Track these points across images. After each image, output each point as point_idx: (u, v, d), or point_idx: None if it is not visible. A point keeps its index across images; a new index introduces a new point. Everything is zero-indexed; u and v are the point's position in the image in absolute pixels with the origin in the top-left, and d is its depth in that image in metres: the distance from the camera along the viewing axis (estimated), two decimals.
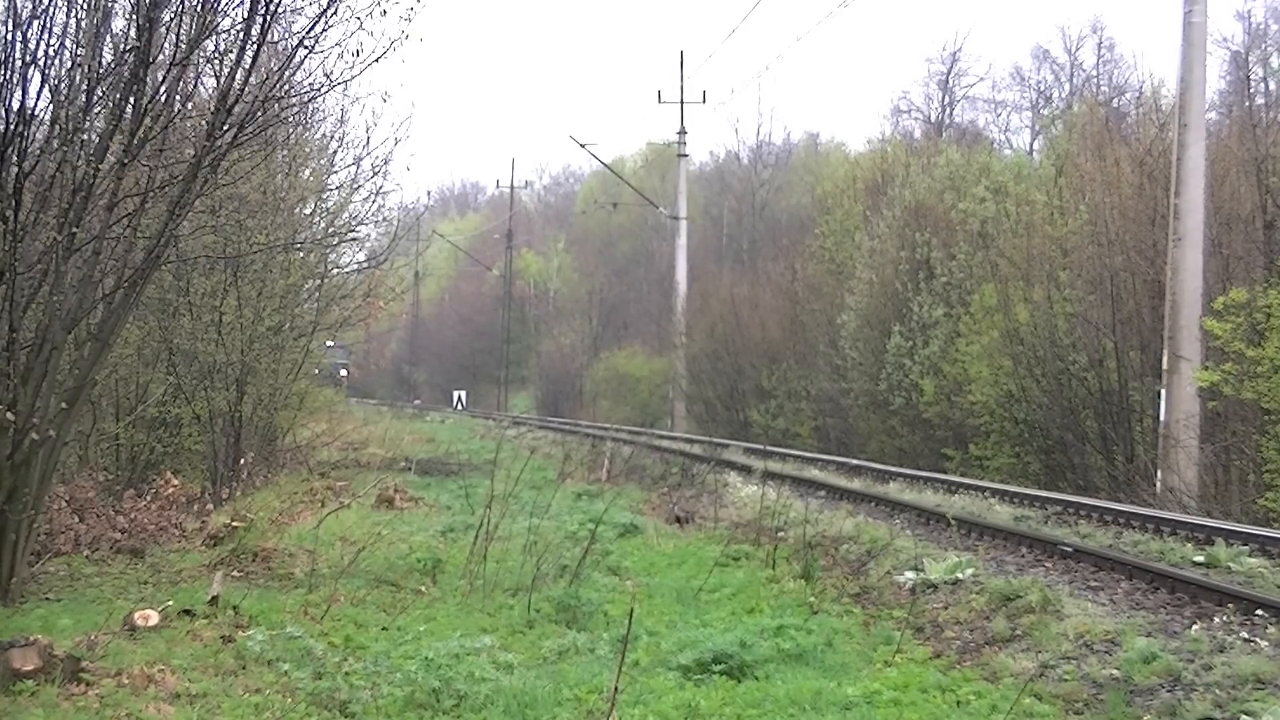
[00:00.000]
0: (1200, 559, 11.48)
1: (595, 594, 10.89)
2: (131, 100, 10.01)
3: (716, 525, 16.06)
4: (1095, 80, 47.40)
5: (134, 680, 7.43)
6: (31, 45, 9.91)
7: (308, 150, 21.06)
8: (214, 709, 7.18)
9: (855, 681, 8.14)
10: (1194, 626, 8.87)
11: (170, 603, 9.55)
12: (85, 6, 10.14)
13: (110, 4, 10.42)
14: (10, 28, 9.78)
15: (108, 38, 10.55)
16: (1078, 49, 49.64)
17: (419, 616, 10.14)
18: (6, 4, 9.75)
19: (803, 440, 33.55)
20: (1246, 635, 8.48)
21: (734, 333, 38.59)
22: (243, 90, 10.51)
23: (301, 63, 11.86)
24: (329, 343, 57.84)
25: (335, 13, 11.03)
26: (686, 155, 45.60)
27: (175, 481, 15.04)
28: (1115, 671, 7.97)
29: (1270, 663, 7.68)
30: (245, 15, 10.52)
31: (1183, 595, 9.87)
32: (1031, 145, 48.22)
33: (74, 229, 9.73)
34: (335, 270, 23.83)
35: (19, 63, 9.82)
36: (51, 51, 10.12)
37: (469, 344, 69.62)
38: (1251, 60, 30.03)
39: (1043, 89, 50.97)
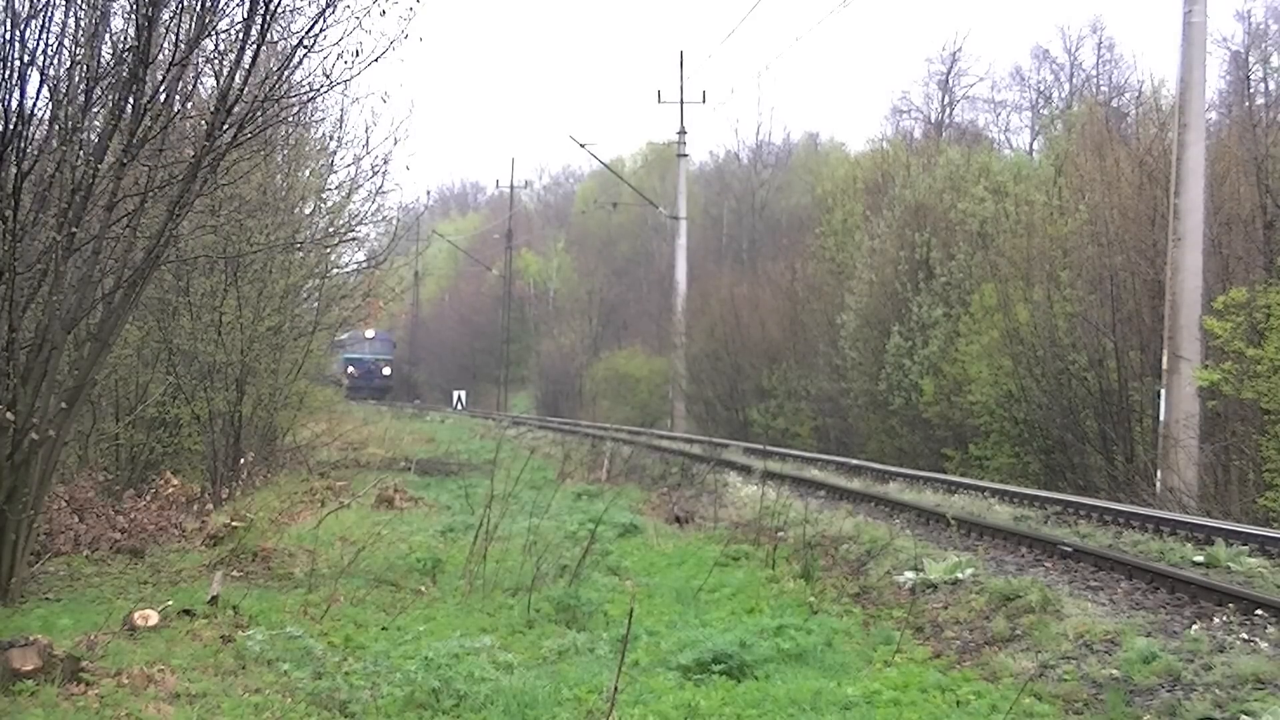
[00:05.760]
0: (1200, 559, 11.48)
1: (595, 594, 10.89)
2: (130, 100, 10.00)
3: (716, 525, 16.06)
4: (1095, 80, 47.39)
5: (134, 680, 7.43)
6: (30, 44, 9.92)
7: (307, 150, 21.06)
8: (214, 709, 7.18)
9: (855, 681, 8.14)
10: (1194, 626, 8.87)
11: (170, 603, 9.55)
12: (84, 6, 10.14)
13: (109, 3, 10.43)
14: (9, 27, 9.78)
15: (106, 37, 10.56)
16: (1077, 49, 49.62)
17: (419, 616, 10.14)
18: (5, 3, 9.74)
19: (803, 440, 33.54)
20: (1246, 635, 8.48)
21: (734, 333, 38.57)
22: (242, 90, 10.51)
23: (301, 63, 11.87)
24: (368, 333, 56.58)
25: (334, 12, 11.03)
26: (686, 155, 45.60)
27: (175, 481, 15.03)
28: (1115, 671, 7.97)
29: (1270, 663, 7.67)
30: (245, 15, 10.53)
31: (1183, 595, 9.87)
32: (1031, 145, 48.19)
33: (73, 229, 9.73)
34: (335, 270, 23.85)
35: (18, 62, 9.82)
36: (50, 51, 10.14)
37: (469, 344, 69.54)
38: (1251, 60, 30.00)
39: (1043, 89, 50.93)
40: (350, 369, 57.86)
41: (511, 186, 65.47)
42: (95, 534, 12.10)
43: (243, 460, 17.51)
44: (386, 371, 64.90)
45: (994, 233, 28.13)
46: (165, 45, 10.23)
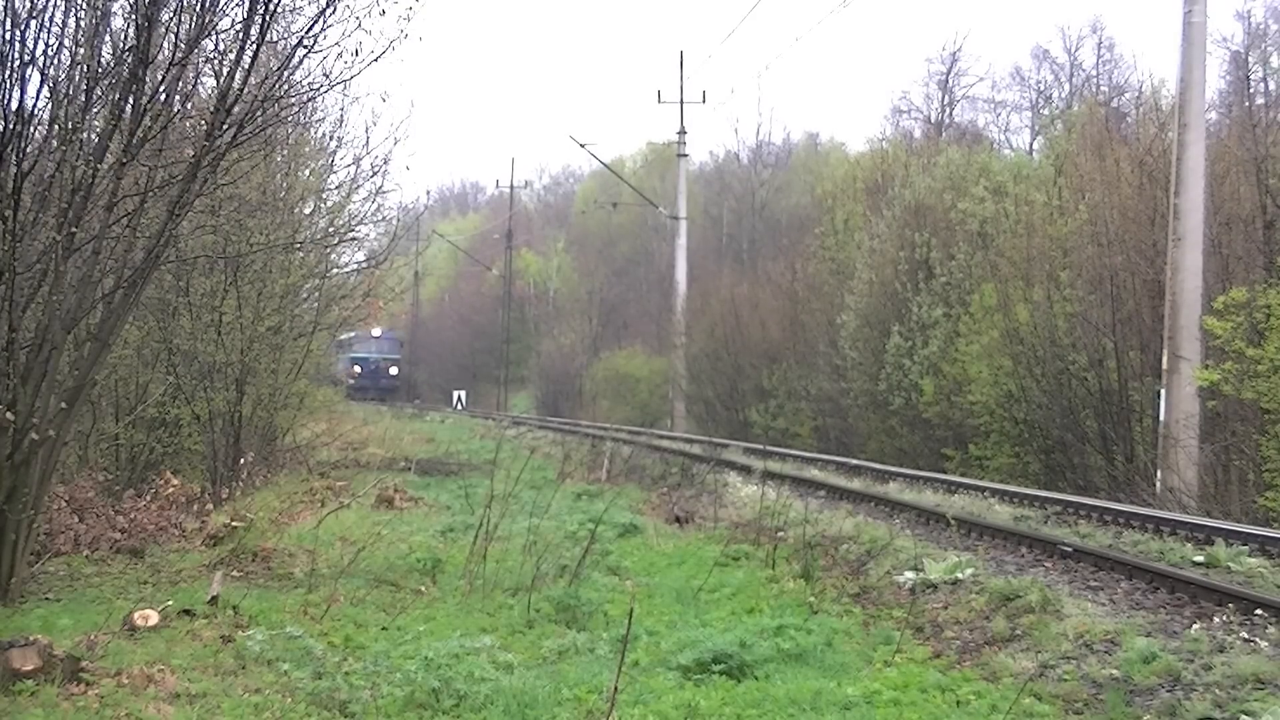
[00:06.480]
0: (1200, 559, 11.48)
1: (595, 594, 10.89)
2: (130, 100, 10.00)
3: (716, 525, 16.06)
4: (1095, 80, 47.39)
5: (134, 680, 7.43)
6: (30, 44, 9.92)
7: (307, 150, 21.07)
8: (214, 709, 7.18)
9: (855, 681, 8.14)
10: (1194, 626, 8.87)
11: (170, 603, 9.55)
12: (84, 6, 10.14)
13: (109, 3, 10.43)
14: (9, 27, 9.78)
15: (106, 37, 10.56)
16: (1077, 49, 49.62)
17: (419, 616, 10.14)
18: (5, 3, 9.74)
19: (803, 440, 33.54)
20: (1246, 635, 8.48)
21: (734, 333, 38.57)
22: (242, 90, 10.51)
23: (301, 62, 11.87)
24: (375, 331, 55.93)
25: (334, 12, 11.04)
26: (686, 155, 45.61)
27: (175, 481, 15.03)
28: (1115, 671, 7.97)
29: (1270, 663, 7.67)
30: (244, 15, 10.53)
31: (1182, 595, 9.87)
32: (1031, 145, 48.18)
33: (73, 229, 9.73)
34: (335, 270, 23.85)
35: (17, 62, 9.82)
36: (50, 51, 10.14)
37: (469, 344, 69.55)
38: (1251, 60, 29.97)
39: (1043, 89, 50.94)
40: (356, 369, 57.56)
41: (511, 186, 65.55)
42: (95, 534, 12.09)
43: (243, 460, 17.51)
44: (393, 371, 63.88)
45: (994, 233, 28.13)
46: (165, 45, 10.23)
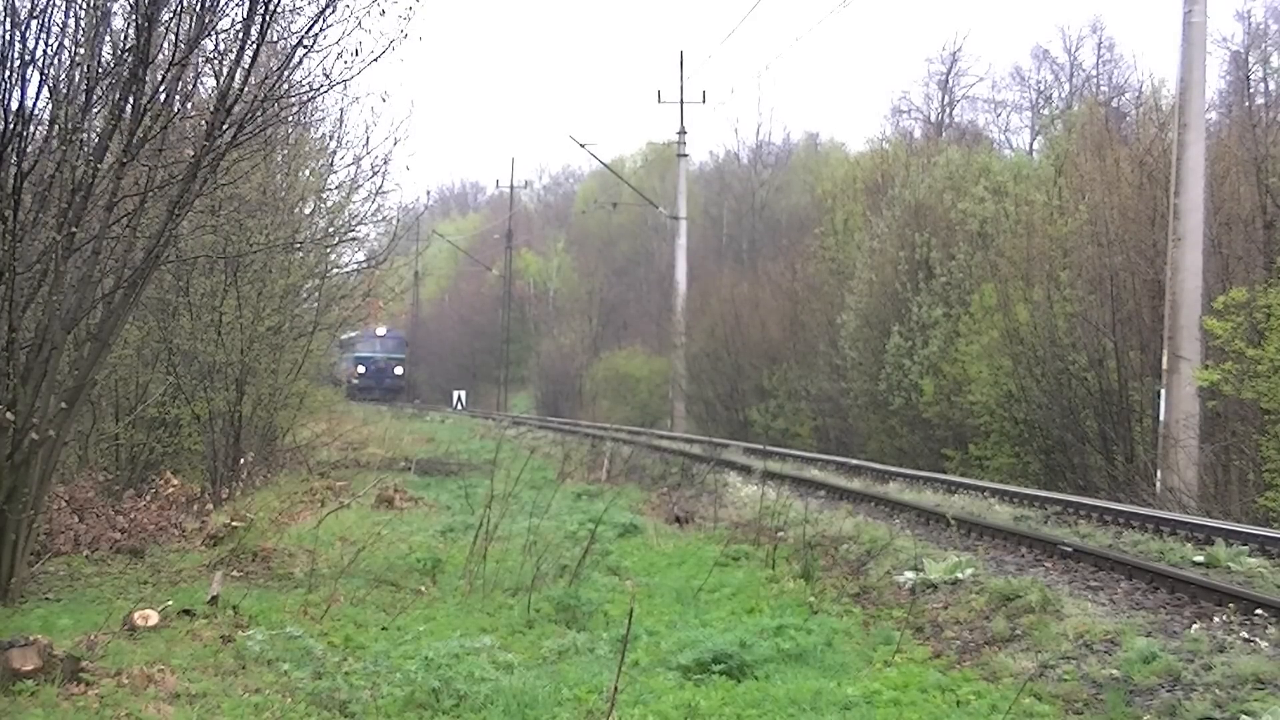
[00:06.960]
0: (1200, 559, 11.48)
1: (595, 594, 10.89)
2: (130, 100, 10.01)
3: (716, 525, 16.06)
4: (1095, 80, 47.39)
5: (134, 680, 7.44)
6: (30, 44, 9.93)
7: (307, 150, 21.05)
8: (214, 709, 7.18)
9: (855, 681, 8.14)
10: (1194, 626, 8.86)
11: (170, 603, 9.56)
12: (84, 6, 10.15)
13: (109, 3, 10.44)
14: (9, 27, 9.79)
15: (107, 37, 10.56)
16: (1077, 49, 49.62)
17: (419, 616, 10.14)
18: (5, 3, 9.75)
19: (803, 440, 33.54)
20: (1246, 635, 8.48)
21: (734, 333, 38.58)
22: (242, 90, 10.51)
23: (300, 62, 11.88)
24: (379, 330, 55.27)
25: (334, 12, 11.05)
26: (686, 155, 45.59)
27: (175, 481, 15.03)
28: (1115, 671, 7.97)
29: (1270, 663, 7.67)
30: (244, 15, 10.54)
31: (1182, 595, 9.87)
32: (1031, 145, 48.17)
33: (73, 229, 9.73)
34: (335, 270, 23.84)
35: (17, 62, 9.82)
36: (50, 51, 10.14)
37: (469, 344, 69.52)
38: (1251, 60, 29.97)
39: (1043, 89, 50.94)
40: (359, 369, 57.33)
41: (511, 186, 65.53)
42: (95, 534, 12.10)
43: (243, 460, 17.51)
44: (398, 371, 63.33)
45: (994, 233, 28.14)
46: (165, 45, 10.23)
